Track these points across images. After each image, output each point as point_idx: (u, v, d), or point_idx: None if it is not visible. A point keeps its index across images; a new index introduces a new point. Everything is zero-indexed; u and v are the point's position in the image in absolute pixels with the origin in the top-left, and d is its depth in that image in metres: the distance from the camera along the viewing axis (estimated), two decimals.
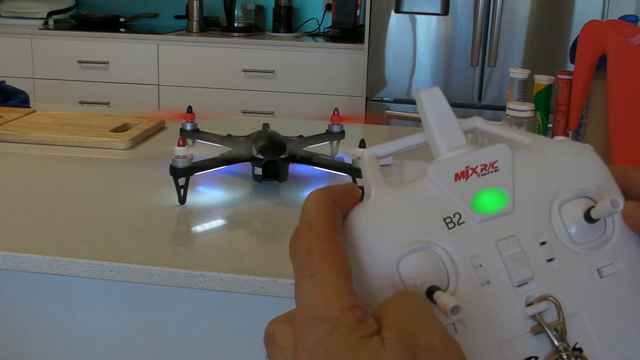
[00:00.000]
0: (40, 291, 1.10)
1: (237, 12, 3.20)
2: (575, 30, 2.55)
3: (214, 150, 1.12)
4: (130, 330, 1.10)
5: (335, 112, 1.24)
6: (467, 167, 0.32)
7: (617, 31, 1.08)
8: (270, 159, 1.05)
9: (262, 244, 0.89)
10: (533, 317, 0.30)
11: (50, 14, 3.39)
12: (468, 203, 0.31)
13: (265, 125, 1.18)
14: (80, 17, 3.46)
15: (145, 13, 3.55)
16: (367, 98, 2.82)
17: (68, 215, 0.95)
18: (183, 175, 0.99)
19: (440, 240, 0.31)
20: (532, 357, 0.30)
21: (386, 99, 2.80)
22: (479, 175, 0.32)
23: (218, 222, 0.95)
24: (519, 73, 1.24)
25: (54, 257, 0.83)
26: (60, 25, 3.37)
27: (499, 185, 0.32)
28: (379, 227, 0.31)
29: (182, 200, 1.00)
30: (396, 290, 0.30)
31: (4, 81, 1.70)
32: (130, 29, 3.38)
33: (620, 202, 0.30)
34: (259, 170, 1.05)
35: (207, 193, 1.06)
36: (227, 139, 1.18)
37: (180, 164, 0.98)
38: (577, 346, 0.30)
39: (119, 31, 3.30)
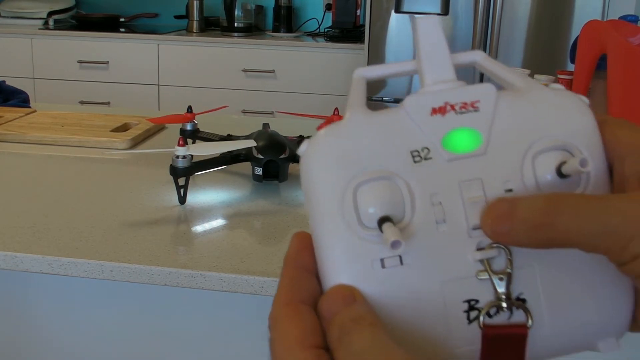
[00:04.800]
0: (40, 291, 1.10)
1: (237, 12, 3.20)
2: (575, 30, 2.55)
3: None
4: (130, 330, 1.10)
5: (335, 112, 1.24)
6: (445, 103, 0.31)
7: (617, 31, 1.08)
8: (270, 159, 1.05)
9: (262, 244, 0.89)
10: (482, 261, 0.30)
11: (50, 13, 3.39)
12: (439, 139, 0.31)
13: (265, 125, 1.18)
14: (80, 17, 3.46)
15: (145, 13, 3.55)
16: (367, 98, 2.82)
17: (68, 215, 0.95)
18: (183, 175, 0.99)
19: (403, 172, 0.30)
20: (472, 299, 0.30)
21: (386, 99, 2.80)
22: (456, 113, 0.31)
23: (218, 222, 0.95)
24: None
25: (54, 257, 0.83)
26: (60, 25, 3.37)
27: (475, 126, 0.31)
28: (345, 151, 0.31)
29: (182, 200, 1.00)
30: (345, 218, 0.30)
31: (4, 81, 1.70)
32: (130, 29, 3.38)
33: (591, 162, 0.29)
34: (259, 170, 1.05)
35: (207, 193, 1.06)
36: (227, 139, 1.18)
37: (180, 164, 0.98)
38: (521, 296, 0.30)
39: (119, 31, 3.30)
